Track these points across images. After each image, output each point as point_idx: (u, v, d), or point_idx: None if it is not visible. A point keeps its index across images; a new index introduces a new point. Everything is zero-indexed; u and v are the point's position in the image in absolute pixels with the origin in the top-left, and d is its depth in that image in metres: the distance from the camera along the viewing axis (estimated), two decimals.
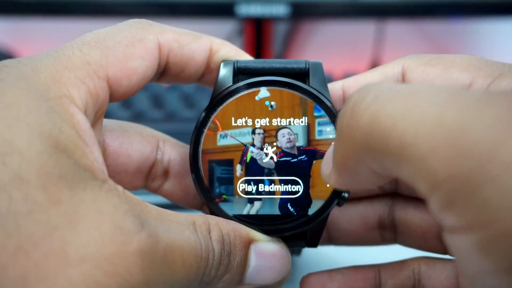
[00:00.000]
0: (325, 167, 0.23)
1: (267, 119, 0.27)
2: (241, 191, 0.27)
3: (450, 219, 0.17)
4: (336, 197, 0.27)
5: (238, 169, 0.27)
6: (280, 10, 0.67)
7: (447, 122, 0.16)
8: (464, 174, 0.16)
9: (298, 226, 0.27)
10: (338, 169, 0.22)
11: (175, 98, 0.63)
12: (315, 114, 0.27)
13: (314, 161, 0.27)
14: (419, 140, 0.17)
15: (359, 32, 0.79)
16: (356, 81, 0.28)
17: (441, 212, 0.17)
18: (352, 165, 0.21)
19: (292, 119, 0.27)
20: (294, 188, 0.27)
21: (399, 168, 0.18)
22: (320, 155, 0.27)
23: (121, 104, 0.62)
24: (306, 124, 0.27)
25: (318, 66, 0.28)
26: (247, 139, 0.27)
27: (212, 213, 0.27)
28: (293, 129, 0.27)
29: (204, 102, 0.62)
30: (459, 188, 0.16)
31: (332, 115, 0.27)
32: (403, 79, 0.27)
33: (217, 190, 0.27)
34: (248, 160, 0.27)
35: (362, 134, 0.19)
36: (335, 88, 0.29)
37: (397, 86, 0.19)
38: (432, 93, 0.18)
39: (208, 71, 0.29)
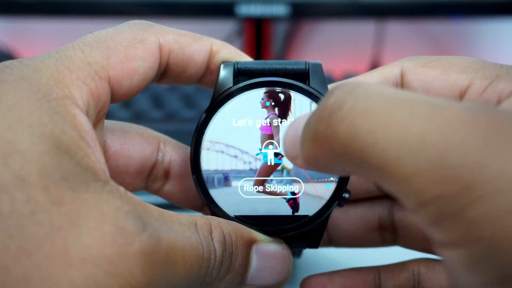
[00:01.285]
0: (291, 151, 0.22)
1: (268, 120, 0.27)
2: (243, 192, 0.27)
3: (439, 235, 0.17)
4: (337, 198, 0.27)
5: None
6: (280, 10, 0.67)
7: (430, 142, 0.16)
8: (450, 195, 0.16)
9: (299, 227, 0.27)
10: (307, 162, 0.21)
11: (175, 98, 0.63)
12: None
13: None
14: (402, 161, 0.16)
15: (359, 32, 0.79)
16: None
17: (429, 228, 0.17)
18: (326, 165, 0.20)
19: (293, 120, 0.27)
20: (295, 188, 0.27)
21: (382, 182, 0.18)
22: None
23: (121, 104, 0.61)
24: None
25: (318, 67, 0.28)
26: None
27: (213, 214, 0.27)
28: None
29: (204, 102, 0.62)
30: (445, 208, 0.16)
31: None
32: (402, 80, 0.27)
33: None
34: None
35: (340, 146, 0.18)
36: None
37: (375, 94, 0.18)
38: (412, 107, 0.17)
39: (208, 72, 0.29)
